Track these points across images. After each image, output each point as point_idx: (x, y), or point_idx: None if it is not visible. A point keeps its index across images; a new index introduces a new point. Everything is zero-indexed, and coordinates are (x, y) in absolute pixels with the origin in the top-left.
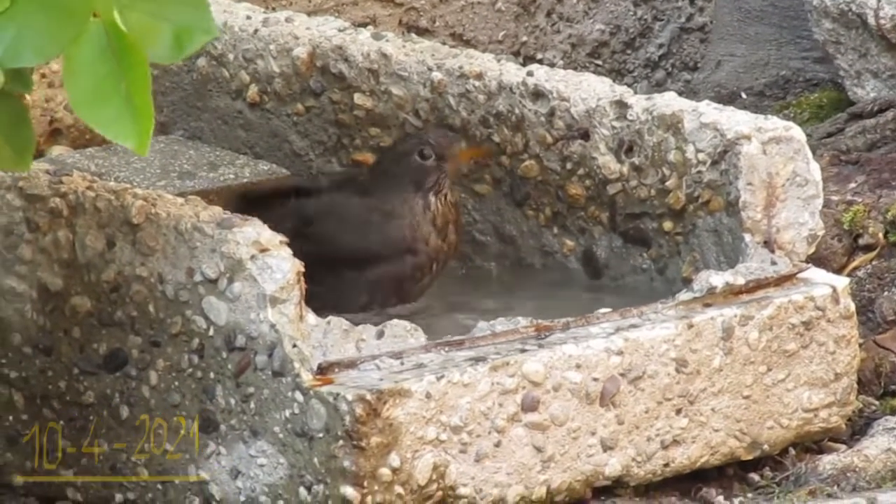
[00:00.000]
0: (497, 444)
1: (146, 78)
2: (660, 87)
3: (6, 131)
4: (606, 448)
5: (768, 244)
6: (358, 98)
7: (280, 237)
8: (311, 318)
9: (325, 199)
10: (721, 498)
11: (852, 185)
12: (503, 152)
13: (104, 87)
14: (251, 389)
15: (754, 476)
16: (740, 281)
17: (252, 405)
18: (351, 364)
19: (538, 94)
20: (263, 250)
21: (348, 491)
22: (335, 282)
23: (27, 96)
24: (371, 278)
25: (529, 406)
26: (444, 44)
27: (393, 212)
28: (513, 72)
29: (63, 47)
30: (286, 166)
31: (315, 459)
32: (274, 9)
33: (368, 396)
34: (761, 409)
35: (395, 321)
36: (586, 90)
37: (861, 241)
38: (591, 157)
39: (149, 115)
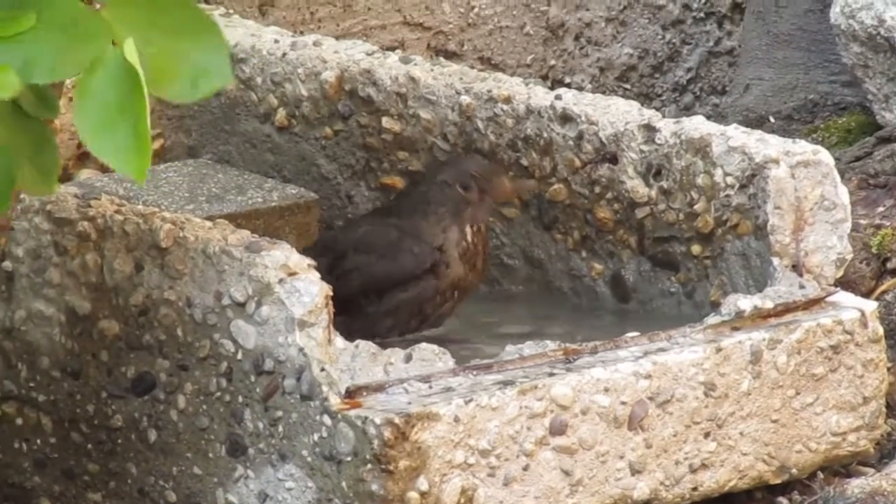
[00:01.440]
0: (525, 468)
1: (146, 110)
2: (688, 110)
3: (31, 154)
4: (635, 472)
5: (796, 268)
6: (386, 122)
7: (308, 260)
8: (340, 341)
9: (354, 232)
10: None
11: (881, 208)
12: (531, 176)
13: (112, 116)
14: (279, 413)
15: (783, 500)
16: (768, 304)
17: (280, 429)
18: (379, 388)
19: (566, 118)
20: (291, 274)
21: None
22: (360, 308)
23: (55, 121)
24: (394, 302)
25: (558, 429)
26: (472, 68)
27: (420, 234)
28: (541, 95)
29: (77, 69)
30: (314, 190)
31: (343, 483)
32: (302, 32)
33: (397, 420)
34: (790, 433)
35: (424, 345)
36: (614, 114)
37: (889, 265)
38: (619, 180)
39: (148, 145)
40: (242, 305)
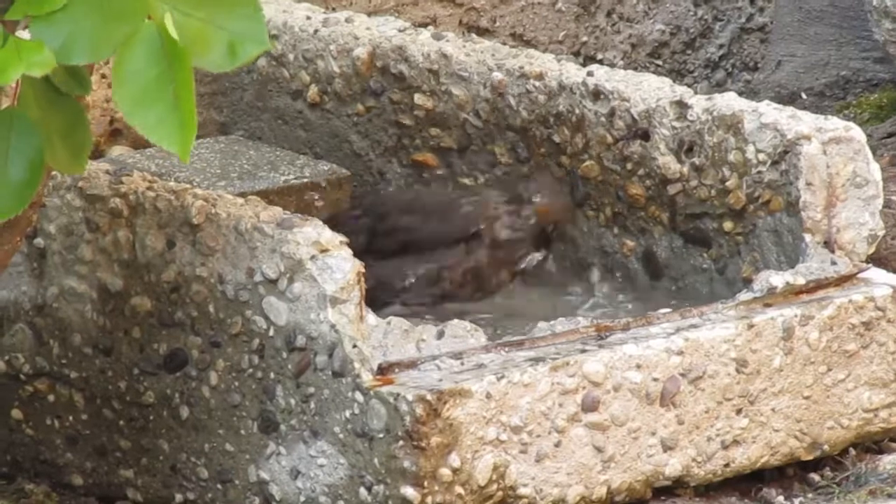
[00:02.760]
0: (557, 445)
1: (191, 84)
2: (720, 87)
3: (62, 132)
4: (667, 448)
5: (828, 244)
6: (418, 98)
7: (340, 237)
8: (371, 318)
9: (405, 194)
10: (781, 498)
11: None
12: (563, 152)
13: (152, 91)
14: (311, 390)
15: (814, 476)
16: (800, 281)
17: (312, 405)
18: (411, 364)
19: (598, 95)
20: (324, 250)
21: (408, 491)
22: (411, 271)
23: (86, 97)
24: (439, 266)
25: (589, 406)
26: (504, 44)
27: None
28: (573, 72)
29: (115, 47)
30: (346, 166)
31: (375, 460)
32: (334, 9)
33: (428, 397)
34: (821, 410)
35: (455, 321)
36: (646, 90)
37: None
38: (651, 157)
39: (192, 121)
40: (274, 282)
